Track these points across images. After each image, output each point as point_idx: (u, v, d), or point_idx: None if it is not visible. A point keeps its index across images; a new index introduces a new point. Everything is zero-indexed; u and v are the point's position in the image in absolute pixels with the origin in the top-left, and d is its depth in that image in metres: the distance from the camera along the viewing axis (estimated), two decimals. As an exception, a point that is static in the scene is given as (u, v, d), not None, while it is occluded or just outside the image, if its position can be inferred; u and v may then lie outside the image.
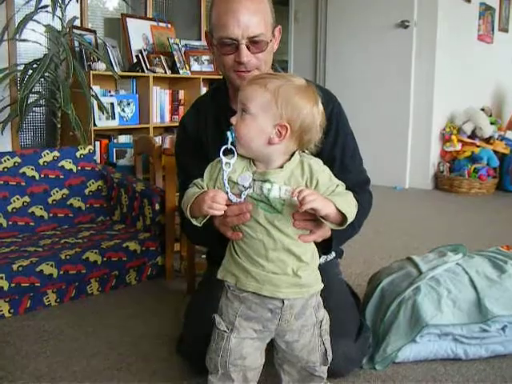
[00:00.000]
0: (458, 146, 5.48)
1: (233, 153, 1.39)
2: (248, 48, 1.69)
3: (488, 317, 1.98)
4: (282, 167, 1.40)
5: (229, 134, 1.38)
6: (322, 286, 1.50)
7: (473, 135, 5.54)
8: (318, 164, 1.44)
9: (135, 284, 2.80)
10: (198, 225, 1.44)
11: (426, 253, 2.39)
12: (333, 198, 1.37)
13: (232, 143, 1.39)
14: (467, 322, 1.98)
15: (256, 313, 1.46)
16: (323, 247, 1.57)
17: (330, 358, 1.57)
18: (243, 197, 1.38)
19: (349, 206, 1.40)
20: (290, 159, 1.41)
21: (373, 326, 2.07)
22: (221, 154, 1.38)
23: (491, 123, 5.65)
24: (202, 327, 1.66)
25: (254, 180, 1.40)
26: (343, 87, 5.36)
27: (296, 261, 1.42)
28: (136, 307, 2.52)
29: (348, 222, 1.39)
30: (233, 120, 1.40)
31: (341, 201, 1.37)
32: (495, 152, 5.48)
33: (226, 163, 1.38)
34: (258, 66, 1.73)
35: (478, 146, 5.47)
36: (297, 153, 1.43)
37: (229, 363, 1.49)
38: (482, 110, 5.76)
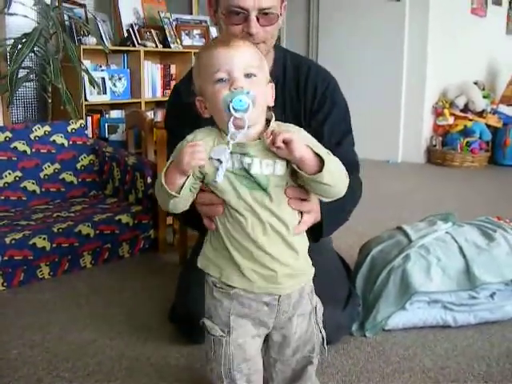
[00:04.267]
0: (451, 120, 5.49)
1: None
2: (257, 20, 1.62)
3: (477, 284, 2.00)
4: (259, 138, 1.24)
5: (244, 98, 1.17)
6: (314, 269, 1.37)
7: (465, 109, 5.55)
8: (295, 127, 1.30)
9: (128, 257, 2.81)
10: (177, 196, 1.22)
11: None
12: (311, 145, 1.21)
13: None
14: (456, 289, 2.01)
15: (251, 309, 1.30)
16: (313, 234, 1.47)
17: (326, 348, 1.43)
18: (220, 174, 1.19)
19: (331, 160, 1.22)
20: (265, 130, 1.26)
21: (363, 294, 2.09)
22: (230, 124, 1.18)
23: (484, 97, 5.65)
24: (192, 297, 1.67)
25: (231, 153, 1.21)
26: (336, 62, 5.33)
27: (288, 249, 1.27)
28: (129, 279, 2.53)
29: (326, 170, 1.17)
30: (243, 84, 1.19)
31: (319, 148, 1.21)
32: (488, 126, 5.48)
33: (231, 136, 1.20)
34: (265, 40, 1.66)
35: (470, 120, 5.48)
36: (273, 122, 1.27)
37: (233, 370, 1.32)
38: (475, 83, 5.75)
